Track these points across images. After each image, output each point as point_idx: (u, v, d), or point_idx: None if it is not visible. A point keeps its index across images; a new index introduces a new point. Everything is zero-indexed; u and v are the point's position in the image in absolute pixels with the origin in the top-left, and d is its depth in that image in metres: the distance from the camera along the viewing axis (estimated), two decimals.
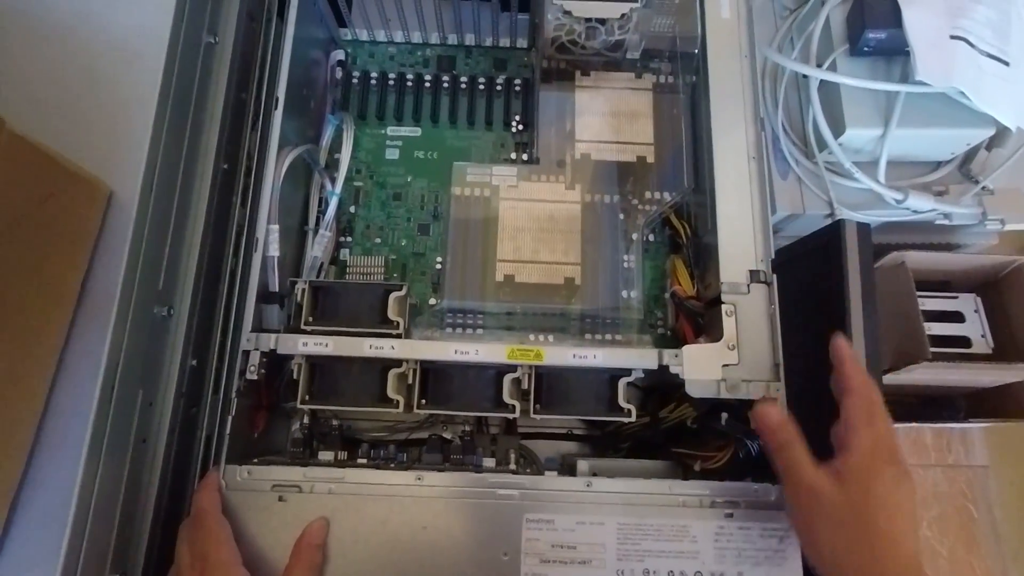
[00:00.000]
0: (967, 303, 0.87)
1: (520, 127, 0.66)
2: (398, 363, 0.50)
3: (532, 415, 0.51)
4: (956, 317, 0.86)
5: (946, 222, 0.79)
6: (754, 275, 0.52)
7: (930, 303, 0.85)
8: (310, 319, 0.51)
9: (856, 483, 0.40)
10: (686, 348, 0.50)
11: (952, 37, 0.69)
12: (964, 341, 0.85)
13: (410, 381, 0.51)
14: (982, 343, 0.85)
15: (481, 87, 0.67)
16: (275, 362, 0.52)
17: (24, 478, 0.40)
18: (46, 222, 0.39)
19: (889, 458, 0.41)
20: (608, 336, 0.57)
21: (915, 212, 0.78)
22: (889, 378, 0.82)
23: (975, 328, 0.86)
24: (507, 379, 0.50)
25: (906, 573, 0.39)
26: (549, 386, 0.52)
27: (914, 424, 1.05)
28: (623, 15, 0.56)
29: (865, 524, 0.39)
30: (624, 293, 0.58)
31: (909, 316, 0.82)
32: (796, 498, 0.42)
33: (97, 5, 0.49)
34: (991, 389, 0.89)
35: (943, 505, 1.15)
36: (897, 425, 1.07)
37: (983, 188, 0.77)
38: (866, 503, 0.40)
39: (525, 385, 0.51)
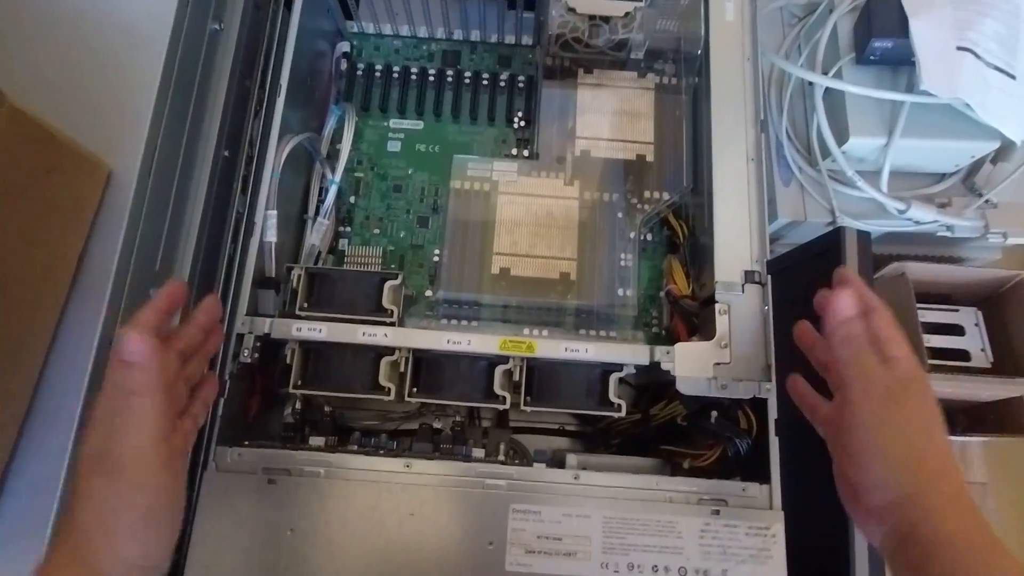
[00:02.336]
0: (967, 316, 0.86)
1: (522, 123, 0.66)
2: (391, 351, 0.51)
3: (523, 407, 0.51)
4: (956, 330, 0.86)
5: (948, 234, 0.79)
6: (749, 275, 0.52)
7: (930, 315, 0.85)
8: (305, 305, 0.51)
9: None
10: (678, 345, 0.50)
11: (959, 49, 0.69)
12: (963, 354, 0.85)
13: (402, 369, 0.51)
14: (981, 357, 0.85)
15: (485, 83, 0.68)
16: (270, 347, 0.52)
17: (17, 448, 0.41)
18: (45, 196, 0.39)
19: (905, 388, 0.40)
20: (603, 332, 0.57)
21: (917, 223, 0.78)
22: None
23: (975, 342, 0.85)
24: (498, 370, 0.50)
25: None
26: (540, 379, 0.52)
27: None
28: (627, 14, 0.57)
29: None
30: (620, 291, 0.58)
31: (908, 327, 0.82)
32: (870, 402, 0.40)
33: None
34: (990, 404, 0.89)
35: None
36: None
37: (987, 201, 0.77)
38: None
39: (516, 377, 0.51)
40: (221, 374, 0.49)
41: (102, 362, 0.43)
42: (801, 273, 0.72)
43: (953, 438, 1.02)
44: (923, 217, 0.76)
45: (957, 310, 0.87)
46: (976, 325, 0.86)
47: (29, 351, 0.40)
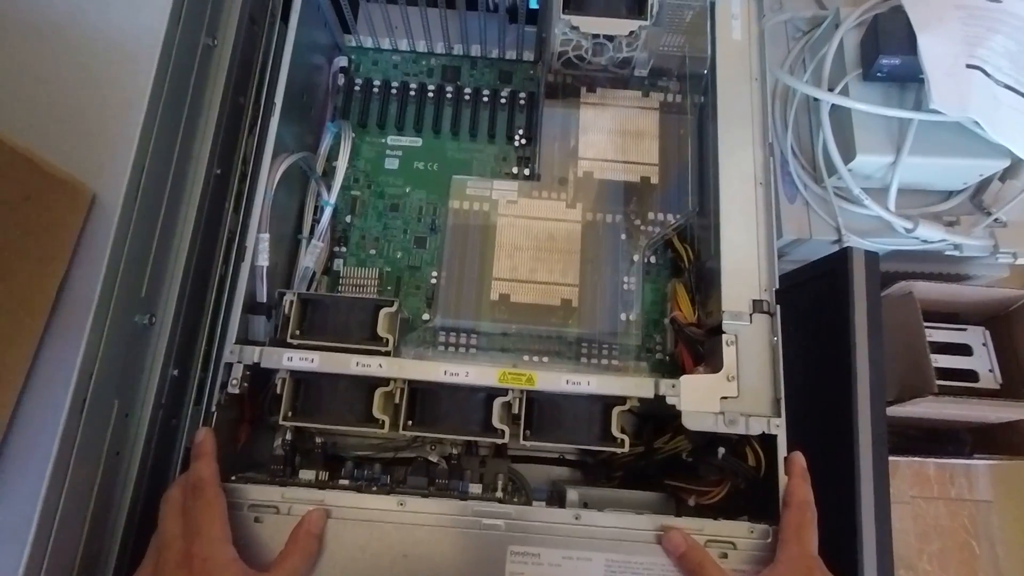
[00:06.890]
0: (975, 336, 0.85)
1: (523, 141, 0.65)
2: (385, 382, 0.49)
3: (522, 441, 0.49)
4: (964, 350, 0.84)
5: (956, 253, 0.77)
6: (757, 305, 0.50)
7: (937, 335, 0.84)
8: (297, 332, 0.49)
9: None
10: (684, 379, 0.48)
11: (968, 66, 0.68)
12: (971, 375, 0.83)
13: (397, 401, 0.49)
14: (990, 378, 0.83)
15: (485, 99, 0.66)
16: (260, 375, 0.50)
17: None
18: (21, 225, 0.37)
19: (808, 572, 0.43)
20: (605, 361, 0.56)
21: (925, 242, 0.76)
22: (893, 410, 0.80)
23: (983, 362, 0.84)
24: (497, 403, 0.49)
25: None
26: (541, 412, 0.50)
27: (917, 458, 1.03)
28: (631, 32, 0.55)
29: None
30: (623, 316, 0.56)
31: (916, 347, 0.80)
32: None
33: (93, 5, 0.48)
34: (998, 424, 0.87)
35: (944, 539, 1.13)
36: (900, 459, 1.05)
37: (995, 220, 0.76)
38: None
39: (516, 410, 0.49)
40: (209, 405, 0.47)
41: (81, 397, 0.41)
42: (807, 294, 0.71)
43: (958, 460, 1.00)
44: (931, 236, 0.75)
45: (965, 329, 0.85)
46: (984, 345, 0.85)
47: (2, 386, 0.39)
